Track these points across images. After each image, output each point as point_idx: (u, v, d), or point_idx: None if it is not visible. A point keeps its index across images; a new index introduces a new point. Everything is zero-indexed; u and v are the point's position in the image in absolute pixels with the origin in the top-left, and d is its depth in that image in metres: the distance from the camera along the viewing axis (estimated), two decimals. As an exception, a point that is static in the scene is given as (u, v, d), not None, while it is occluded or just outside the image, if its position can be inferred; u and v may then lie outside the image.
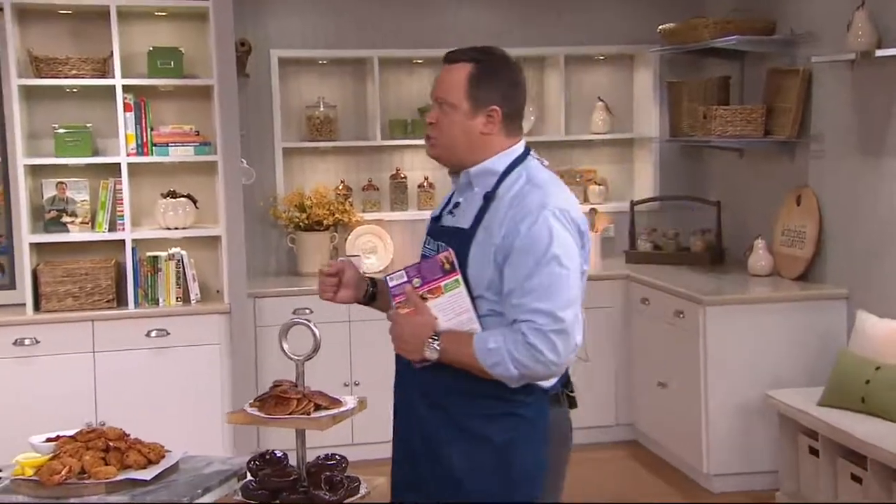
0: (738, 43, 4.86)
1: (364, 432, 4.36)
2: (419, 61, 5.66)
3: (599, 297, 5.26)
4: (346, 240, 5.45)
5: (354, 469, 2.27)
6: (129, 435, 2.03)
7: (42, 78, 4.49)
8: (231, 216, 4.69)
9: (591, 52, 5.78)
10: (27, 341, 4.38)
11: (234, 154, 4.72)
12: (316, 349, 1.98)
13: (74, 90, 4.61)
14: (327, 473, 1.91)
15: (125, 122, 4.56)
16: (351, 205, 5.46)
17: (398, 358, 2.43)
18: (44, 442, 2.04)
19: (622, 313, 5.28)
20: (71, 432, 2.02)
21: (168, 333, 4.54)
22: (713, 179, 5.69)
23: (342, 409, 1.96)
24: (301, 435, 1.96)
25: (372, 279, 2.55)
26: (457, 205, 2.42)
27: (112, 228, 4.63)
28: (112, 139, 4.63)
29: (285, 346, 2.00)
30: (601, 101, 5.82)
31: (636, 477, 4.89)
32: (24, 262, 4.50)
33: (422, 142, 5.47)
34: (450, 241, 2.35)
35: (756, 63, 5.15)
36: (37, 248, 4.58)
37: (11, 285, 4.68)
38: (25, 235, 4.50)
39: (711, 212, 5.48)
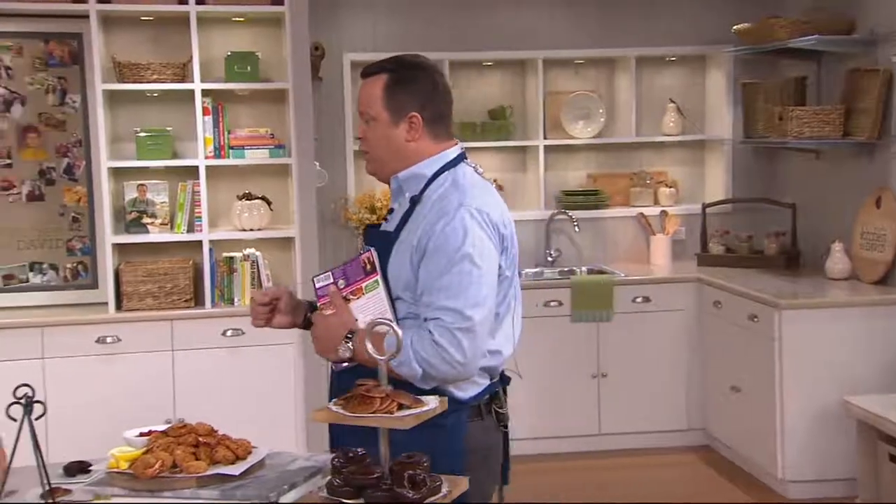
0: (817, 43, 4.78)
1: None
2: (489, 63, 5.68)
3: (670, 300, 5.24)
4: (416, 241, 5.49)
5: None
6: (217, 431, 2.08)
7: (125, 83, 4.60)
8: (304, 217, 4.76)
9: (662, 54, 5.74)
10: (109, 339, 4.49)
11: (308, 156, 4.79)
12: (398, 349, 2.00)
13: (155, 94, 4.72)
14: (410, 472, 1.92)
15: (203, 125, 4.65)
16: (421, 207, 5.49)
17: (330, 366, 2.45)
18: (137, 436, 2.10)
19: (694, 316, 5.23)
20: (162, 427, 2.08)
21: (243, 333, 4.61)
22: (788, 181, 5.60)
23: (424, 408, 1.97)
24: (384, 434, 1.98)
25: (312, 304, 2.50)
26: (391, 210, 2.43)
27: (190, 229, 4.73)
28: (191, 142, 4.72)
29: (369, 347, 2.02)
30: (672, 102, 5.77)
31: (709, 482, 4.83)
32: (107, 263, 4.62)
33: (492, 143, 5.61)
34: (376, 243, 2.36)
35: (833, 63, 5.05)
36: (119, 248, 4.70)
37: (94, 285, 4.81)
38: (108, 236, 4.61)
39: (786, 214, 5.39)
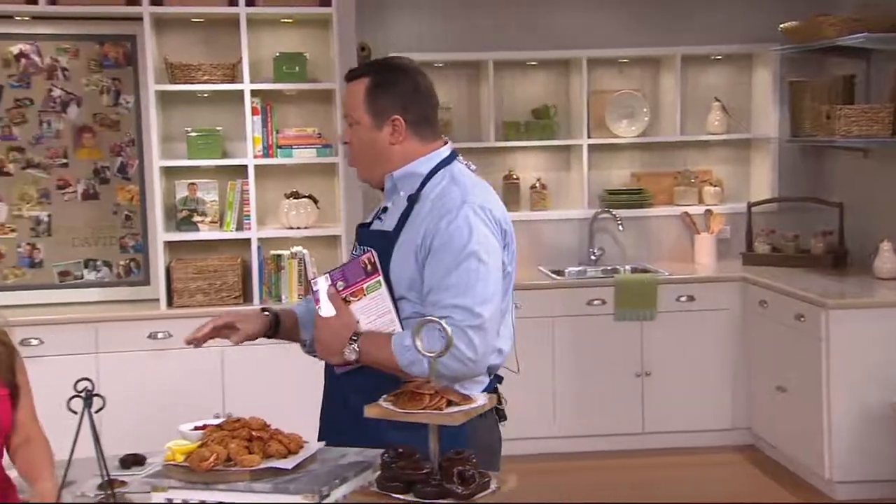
0: (866, 41, 4.70)
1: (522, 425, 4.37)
2: (533, 63, 5.67)
3: (715, 299, 5.20)
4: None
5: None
6: (269, 425, 2.10)
7: (176, 84, 4.67)
8: (350, 216, 4.79)
9: (708, 52, 5.68)
10: (160, 335, 4.56)
11: (355, 156, 4.82)
12: (447, 347, 2.01)
13: (206, 95, 4.79)
14: (459, 468, 1.93)
15: (252, 125, 4.71)
16: (465, 205, 5.50)
17: (326, 369, 2.44)
18: (192, 430, 2.13)
19: (739, 316, 5.18)
20: (216, 422, 2.11)
21: (290, 329, 4.65)
22: (835, 180, 5.52)
23: (473, 405, 1.98)
24: (434, 430, 1.99)
25: (276, 315, 2.50)
26: (385, 209, 2.41)
27: (239, 227, 4.79)
28: (240, 142, 4.78)
29: (418, 344, 2.03)
30: (717, 101, 5.71)
31: (754, 481, 4.79)
32: (159, 260, 4.70)
33: (535, 143, 5.60)
34: (374, 243, 2.33)
35: (882, 61, 4.97)
36: (170, 246, 4.77)
37: (146, 281, 4.89)
38: (160, 234, 4.69)
39: (833, 213, 5.32)
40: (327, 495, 1.92)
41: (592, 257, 5.65)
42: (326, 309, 2.31)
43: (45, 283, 4.79)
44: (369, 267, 2.29)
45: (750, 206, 5.58)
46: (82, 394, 2.15)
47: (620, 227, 5.57)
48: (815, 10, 5.18)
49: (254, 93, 4.70)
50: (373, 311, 2.31)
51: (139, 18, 4.56)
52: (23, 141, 4.75)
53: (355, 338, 2.27)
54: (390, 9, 5.48)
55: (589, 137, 5.61)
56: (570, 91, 5.72)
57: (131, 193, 4.87)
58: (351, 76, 2.39)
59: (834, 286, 4.77)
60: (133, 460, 2.93)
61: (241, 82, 4.68)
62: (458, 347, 2.16)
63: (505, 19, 5.56)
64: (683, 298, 5.18)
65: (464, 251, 2.21)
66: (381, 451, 2.05)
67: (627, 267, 5.59)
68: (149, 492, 2.03)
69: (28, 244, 4.79)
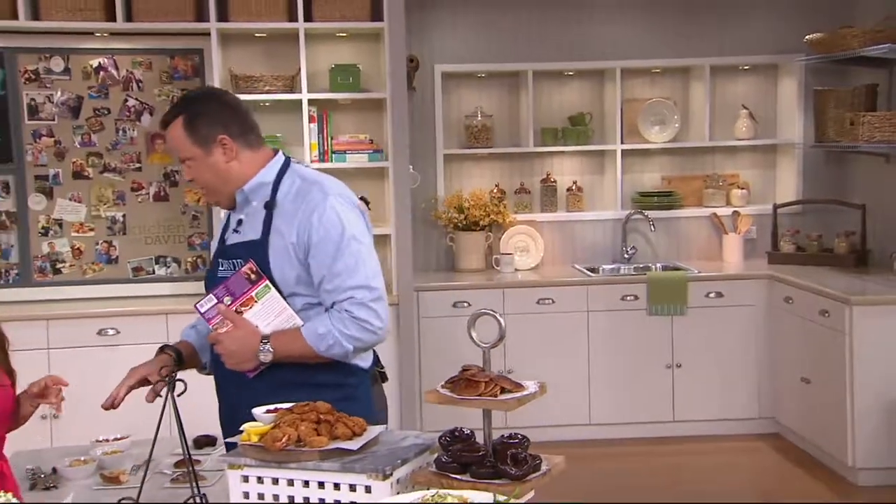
0: (889, 51, 4.63)
1: (538, 415, 4.34)
2: (570, 73, 5.66)
3: (742, 296, 5.16)
4: (500, 239, 5.52)
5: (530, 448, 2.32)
6: (336, 410, 2.12)
7: (240, 93, 4.69)
8: (399, 217, 4.81)
9: (736, 63, 5.64)
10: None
11: (403, 160, 4.84)
12: (501, 338, 2.02)
13: (267, 104, 4.83)
14: (512, 451, 1.95)
15: (309, 132, 4.74)
16: (505, 206, 5.52)
17: (222, 379, 2.43)
18: (265, 413, 2.16)
19: (765, 311, 5.13)
20: (287, 405, 2.13)
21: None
22: (858, 183, 5.45)
23: (525, 392, 1.99)
24: (488, 415, 2.01)
25: (177, 351, 2.48)
26: (239, 222, 2.40)
27: (297, 227, 4.82)
28: (298, 147, 4.81)
29: (474, 335, 2.05)
30: (745, 108, 5.66)
31: (779, 467, 4.75)
32: (223, 256, 4.75)
33: (572, 148, 5.58)
34: (245, 253, 2.33)
35: (904, 70, 4.91)
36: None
37: (211, 276, 4.95)
38: (224, 232, 4.74)
39: (855, 215, 5.25)
40: (390, 474, 1.94)
41: (625, 255, 5.63)
42: (221, 325, 2.32)
43: (120, 277, 4.87)
44: (253, 276, 2.31)
45: (776, 207, 5.53)
46: (166, 378, 2.20)
47: (652, 228, 5.54)
48: (840, 23, 5.12)
49: (311, 102, 4.73)
50: (269, 313, 2.33)
51: (207, 34, 4.61)
52: (101, 147, 4.81)
53: (265, 340, 2.30)
54: (436, 23, 5.50)
55: (622, 143, 5.58)
56: (604, 99, 5.70)
57: (198, 195, 4.91)
58: (165, 123, 2.39)
59: (856, 284, 4.71)
60: (205, 441, 2.98)
61: (300, 92, 4.71)
62: (368, 321, 2.31)
63: (543, 32, 5.55)
64: (712, 295, 5.15)
65: (343, 238, 2.30)
66: (439, 434, 2.08)
67: (659, 265, 5.57)
68: (225, 469, 2.07)
69: (105, 242, 4.87)
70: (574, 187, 5.68)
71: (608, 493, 4.38)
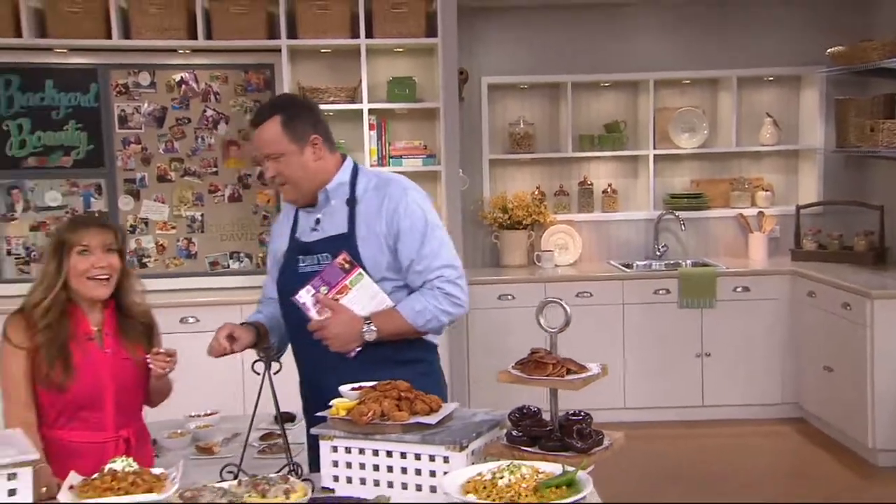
0: (908, 63, 4.60)
1: (576, 400, 4.37)
2: (606, 84, 5.66)
3: (767, 290, 5.13)
4: (541, 237, 5.54)
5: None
6: (414, 388, 2.17)
7: (307, 104, 4.79)
8: (451, 217, 4.85)
9: (761, 74, 5.61)
10: (292, 315, 4.69)
11: (454, 165, 4.88)
12: (567, 323, 2.06)
13: (331, 113, 4.86)
14: (577, 426, 1.98)
15: (369, 138, 4.80)
16: (545, 207, 5.54)
17: (306, 359, 2.46)
18: (350, 390, 2.21)
19: (789, 305, 5.10)
20: (370, 384, 2.18)
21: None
22: (877, 186, 5.40)
23: (590, 373, 2.03)
24: (554, 394, 2.04)
25: (255, 326, 2.51)
26: (318, 221, 2.43)
27: (357, 225, 4.88)
28: (358, 153, 4.85)
29: (542, 321, 2.09)
30: (769, 116, 5.63)
31: (802, 449, 4.73)
32: (291, 252, 4.82)
33: (607, 153, 5.58)
34: (332, 248, 2.36)
35: (922, 80, 4.85)
36: (300, 240, 4.89)
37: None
38: (292, 230, 4.81)
39: (874, 215, 5.20)
40: (467, 446, 1.98)
41: (657, 253, 5.62)
42: (321, 314, 2.35)
43: (198, 271, 4.96)
44: (346, 265, 2.34)
45: (798, 208, 5.49)
46: (263, 358, 2.26)
47: (683, 227, 5.53)
48: (860, 37, 5.08)
49: (371, 111, 4.79)
50: (363, 298, 2.37)
51: (278, 50, 4.68)
52: (182, 153, 4.91)
53: (368, 320, 2.35)
54: (483, 39, 5.53)
55: (654, 148, 5.58)
56: (637, 108, 5.70)
57: (268, 196, 5.00)
58: (259, 120, 2.39)
59: (876, 279, 4.67)
60: (286, 417, 3.05)
61: (361, 102, 4.77)
62: (457, 297, 2.40)
63: (581, 47, 5.56)
64: (739, 289, 5.13)
65: (426, 226, 2.39)
66: (509, 411, 2.12)
67: (688, 261, 5.55)
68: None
69: (185, 239, 4.96)
70: (609, 189, 5.69)
71: (654, 471, 4.39)
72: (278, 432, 2.92)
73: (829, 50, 5.19)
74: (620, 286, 5.15)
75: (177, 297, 4.70)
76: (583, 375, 2.01)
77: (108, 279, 2.40)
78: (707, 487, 4.22)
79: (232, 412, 3.26)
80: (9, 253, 4.81)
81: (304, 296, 2.37)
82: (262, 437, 2.91)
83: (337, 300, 2.36)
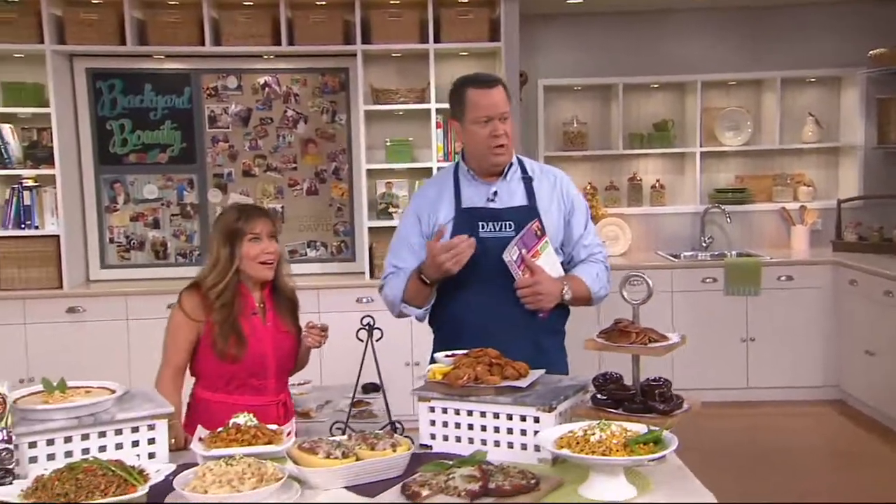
0: (950, 61, 4.51)
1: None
2: (655, 86, 5.64)
3: (810, 279, 5.07)
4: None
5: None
6: (503, 356, 2.21)
7: (379, 104, 4.85)
8: (510, 208, 4.87)
9: (803, 75, 5.53)
10: (365, 299, 4.73)
11: (514, 161, 4.90)
12: (649, 296, 2.08)
13: (400, 113, 4.95)
14: (659, 390, 2.00)
15: (436, 136, 4.84)
16: (597, 201, 5.53)
17: (495, 321, 2.40)
18: (445, 357, 2.26)
19: (831, 293, 5.04)
20: (463, 351, 2.23)
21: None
22: (916, 181, 5.31)
23: (672, 341, 2.04)
24: (636, 360, 2.06)
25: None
26: (495, 193, 2.44)
27: (425, 217, 4.93)
28: (426, 149, 4.92)
29: (625, 293, 2.11)
30: (811, 115, 5.55)
31: (843, 428, 4.66)
32: (363, 242, 4.89)
33: (656, 150, 5.55)
34: (516, 216, 2.41)
35: (963, 78, 4.75)
36: (371, 231, 4.94)
37: (353, 258, 5.10)
38: (364, 221, 4.88)
39: (914, 208, 5.11)
40: (555, 407, 2.01)
41: (703, 244, 5.58)
42: (523, 273, 2.37)
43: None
44: (539, 232, 2.40)
45: (839, 202, 5.41)
46: (366, 327, 2.32)
47: (728, 220, 5.49)
48: (901, 38, 4.99)
49: (438, 111, 4.82)
50: (549, 263, 2.42)
51: (353, 55, 4.75)
52: (265, 150, 5.01)
53: (566, 282, 2.42)
54: (542, 44, 5.55)
55: (701, 146, 5.54)
56: (685, 108, 5.66)
57: (342, 190, 5.08)
58: (495, 82, 2.43)
59: (917, 268, 4.60)
60: (372, 387, 3.10)
61: (428, 103, 4.82)
62: (609, 271, 2.55)
63: (632, 50, 5.55)
64: (783, 278, 5.07)
65: (586, 208, 2.56)
66: (592, 377, 2.14)
67: (733, 252, 5.51)
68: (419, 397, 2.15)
69: (267, 228, 5.05)
70: (657, 185, 5.66)
71: (706, 446, 4.37)
72: (367, 400, 2.99)
73: (870, 52, 5.10)
74: (669, 275, 5.12)
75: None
76: (665, 343, 2.03)
77: (273, 263, 2.49)
78: (757, 461, 4.19)
79: (320, 383, 3.34)
80: (111, 241, 4.96)
81: (512, 254, 2.34)
82: (354, 404, 2.96)
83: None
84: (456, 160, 2.61)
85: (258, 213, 2.49)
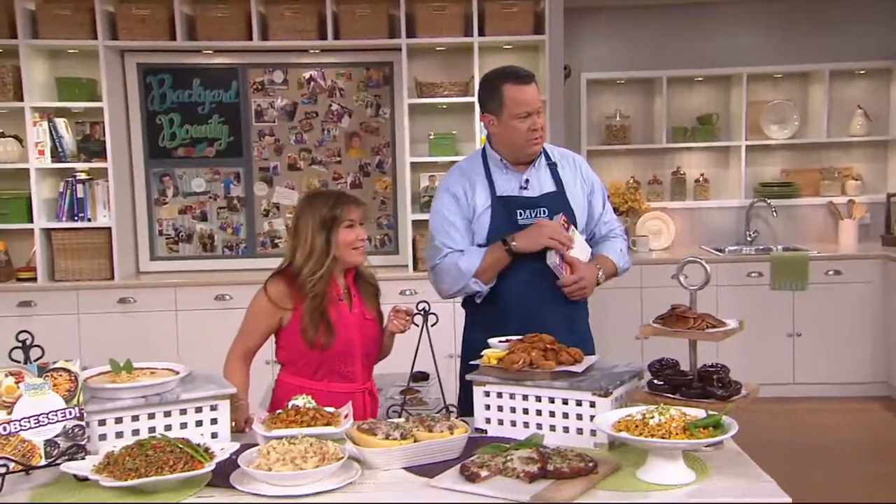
0: None
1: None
2: (699, 79, 5.58)
3: (859, 274, 4.98)
4: (636, 223, 5.50)
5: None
6: (556, 341, 2.21)
7: (422, 98, 4.87)
8: (553, 202, 4.86)
9: (852, 68, 5.43)
10: (408, 292, 4.75)
11: (557, 154, 4.89)
12: (706, 282, 2.07)
13: (444, 106, 4.97)
14: (717, 375, 1.99)
15: (479, 129, 4.84)
16: (640, 195, 5.50)
17: (534, 302, 2.50)
18: (499, 342, 2.27)
19: (880, 288, 4.94)
20: (517, 337, 2.24)
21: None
22: (970, 174, 5.18)
23: (727, 327, 2.03)
24: (694, 346, 2.05)
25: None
26: (527, 181, 2.53)
27: (467, 210, 4.94)
28: (469, 142, 4.93)
29: (682, 279, 2.10)
30: (860, 108, 5.45)
31: (888, 423, 4.57)
32: (407, 234, 4.92)
33: (700, 144, 5.49)
34: (548, 202, 2.53)
35: None
36: (415, 223, 4.96)
37: (397, 251, 5.13)
38: (408, 214, 4.90)
39: (968, 202, 4.99)
40: (611, 392, 2.01)
41: (748, 238, 5.51)
42: (565, 271, 2.49)
43: (323, 251, 5.10)
44: (566, 224, 2.49)
45: (889, 196, 5.31)
46: (422, 312, 2.34)
47: (774, 214, 5.41)
48: (956, 27, 4.87)
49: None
50: (580, 251, 2.52)
51: (398, 49, 4.77)
52: (310, 144, 5.06)
53: (599, 266, 2.56)
54: (586, 38, 5.53)
55: (746, 140, 5.47)
56: (730, 101, 5.60)
57: (386, 183, 5.12)
58: (531, 77, 2.52)
59: (972, 263, 4.49)
60: (420, 376, 3.13)
61: (472, 96, 4.80)
62: (630, 247, 2.60)
63: (676, 43, 5.50)
64: (831, 273, 4.99)
65: (602, 185, 2.68)
66: (647, 363, 2.14)
67: (779, 246, 5.43)
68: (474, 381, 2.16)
69: (312, 221, 5.10)
70: (701, 179, 5.60)
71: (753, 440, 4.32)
72: (416, 388, 3.02)
73: (923, 42, 5.00)
74: (714, 269, 5.05)
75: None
76: (723, 329, 2.02)
77: (363, 248, 2.50)
78: (803, 456, 4.13)
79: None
80: (160, 233, 5.06)
81: (554, 257, 2.46)
82: (402, 392, 2.99)
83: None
84: (481, 149, 2.67)
85: (353, 200, 2.49)
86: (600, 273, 2.53)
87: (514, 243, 2.46)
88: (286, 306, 2.42)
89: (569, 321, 2.54)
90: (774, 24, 5.46)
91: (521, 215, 2.53)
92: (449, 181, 2.63)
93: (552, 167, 2.58)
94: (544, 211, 2.52)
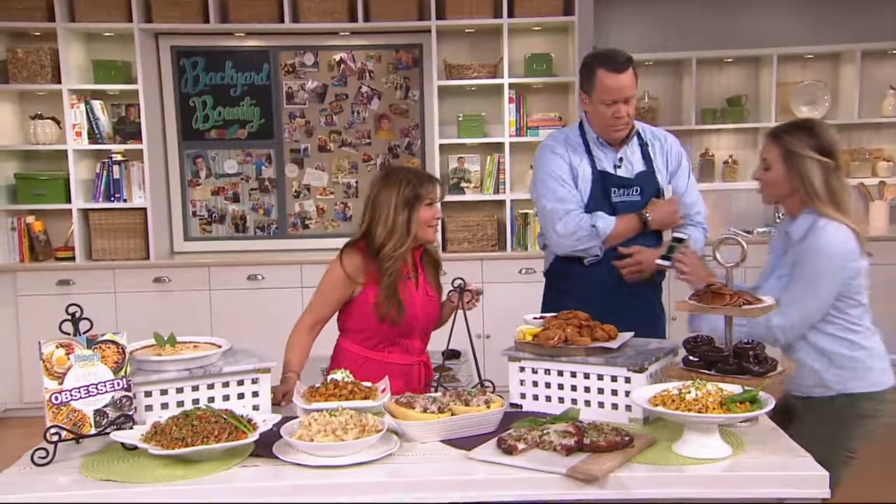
0: None
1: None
2: (729, 60, 5.50)
3: (889, 255, 4.91)
4: (663, 205, 5.45)
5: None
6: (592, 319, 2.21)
7: (451, 80, 4.86)
8: (581, 183, 4.84)
9: (884, 48, 5.33)
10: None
11: (585, 135, 4.86)
12: (743, 258, 2.06)
13: (473, 88, 4.95)
14: (753, 352, 1.98)
15: (508, 111, 4.84)
16: (668, 177, 5.45)
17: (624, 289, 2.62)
18: (533, 319, 2.28)
19: (912, 270, 4.88)
20: (552, 314, 2.24)
21: (535, 271, 4.77)
22: None
23: (764, 304, 2.02)
24: (729, 322, 2.04)
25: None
26: (621, 160, 2.63)
27: (496, 191, 4.94)
28: (498, 124, 4.92)
29: (718, 256, 2.09)
30: (892, 88, 5.35)
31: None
32: (436, 215, 4.93)
33: (729, 126, 5.43)
34: (642, 182, 2.64)
35: None
36: (443, 205, 4.90)
37: (425, 231, 5.14)
38: (437, 195, 4.91)
39: None
40: (647, 368, 2.02)
41: (777, 220, 5.45)
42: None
43: (353, 232, 5.04)
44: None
45: (921, 177, 5.22)
46: (457, 289, 2.35)
47: (804, 195, 5.34)
48: None
49: (510, 86, 4.82)
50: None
51: (427, 31, 4.77)
52: (340, 126, 5.08)
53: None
54: (615, 19, 5.46)
55: (776, 121, 5.39)
56: (759, 82, 5.51)
57: (415, 165, 5.12)
58: (625, 65, 2.55)
59: None
60: (452, 354, 3.15)
61: (501, 77, 4.81)
62: (707, 230, 2.77)
63: (705, 24, 5.42)
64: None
65: (689, 166, 2.76)
66: (681, 340, 2.13)
67: (808, 228, 5.36)
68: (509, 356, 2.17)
69: (341, 203, 5.14)
70: (730, 160, 5.54)
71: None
72: (449, 366, 3.04)
73: (959, 20, 4.88)
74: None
75: (335, 255, 4.86)
76: (759, 305, 2.01)
77: (437, 226, 2.52)
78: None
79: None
80: (194, 214, 5.11)
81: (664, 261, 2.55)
82: (435, 370, 3.01)
83: None
84: (578, 121, 2.77)
85: (431, 179, 2.50)
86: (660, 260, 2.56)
87: (648, 215, 2.62)
88: (360, 280, 2.43)
89: (647, 304, 2.69)
90: (805, 4, 5.37)
91: (615, 193, 2.65)
92: (555, 146, 2.70)
93: (643, 146, 2.67)
94: (637, 189, 2.65)
